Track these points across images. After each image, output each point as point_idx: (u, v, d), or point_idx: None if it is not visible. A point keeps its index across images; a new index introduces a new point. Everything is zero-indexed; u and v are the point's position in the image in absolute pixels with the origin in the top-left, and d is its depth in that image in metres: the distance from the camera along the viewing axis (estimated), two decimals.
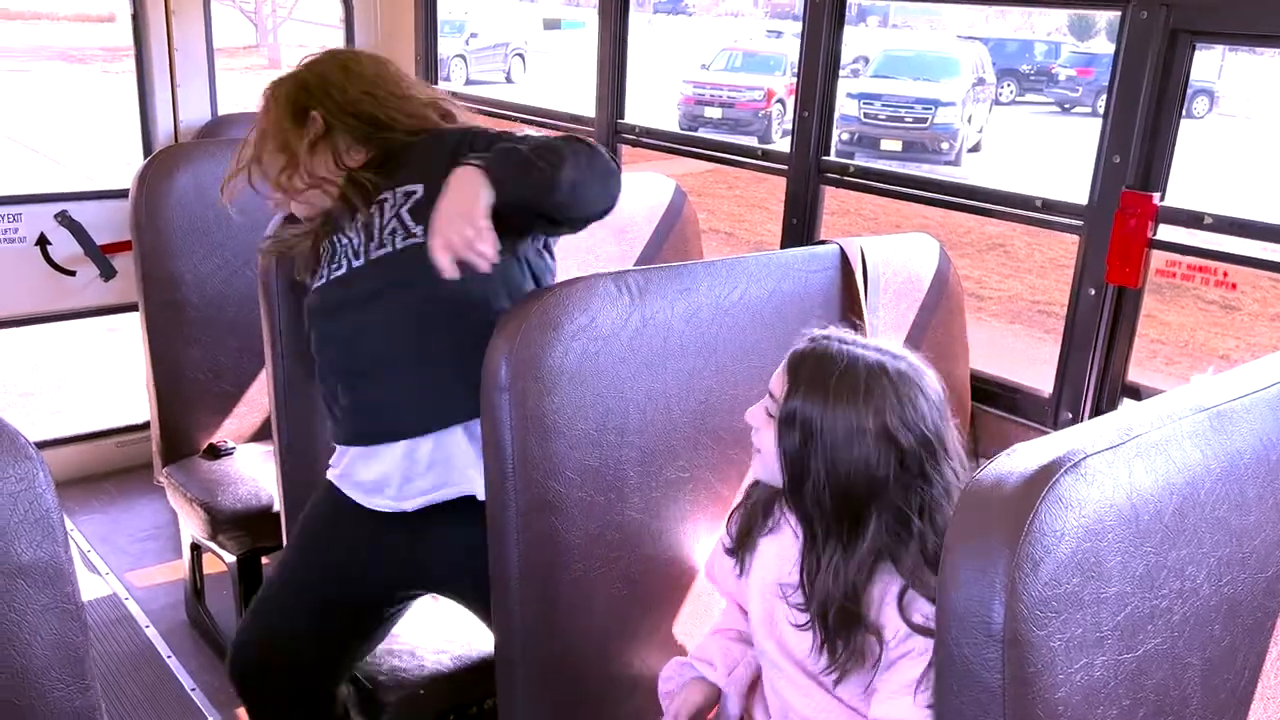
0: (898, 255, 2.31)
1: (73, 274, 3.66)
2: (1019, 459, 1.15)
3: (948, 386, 2.40)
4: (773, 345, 2.06)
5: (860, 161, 2.72)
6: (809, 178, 2.81)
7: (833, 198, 2.90)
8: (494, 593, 1.83)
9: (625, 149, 3.40)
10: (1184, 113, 2.16)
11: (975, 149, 16.73)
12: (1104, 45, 22.55)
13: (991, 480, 1.13)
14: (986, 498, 1.12)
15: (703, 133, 16.67)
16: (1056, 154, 16.09)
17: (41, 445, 3.89)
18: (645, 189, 2.98)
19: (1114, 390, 2.32)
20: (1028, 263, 11.15)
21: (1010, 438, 2.47)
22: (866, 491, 1.52)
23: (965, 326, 2.47)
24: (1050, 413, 2.40)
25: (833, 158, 2.81)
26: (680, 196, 3.03)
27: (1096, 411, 2.34)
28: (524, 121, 3.62)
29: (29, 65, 20.83)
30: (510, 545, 1.77)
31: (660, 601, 1.93)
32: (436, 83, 4.11)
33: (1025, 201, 2.40)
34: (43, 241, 3.60)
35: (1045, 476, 1.10)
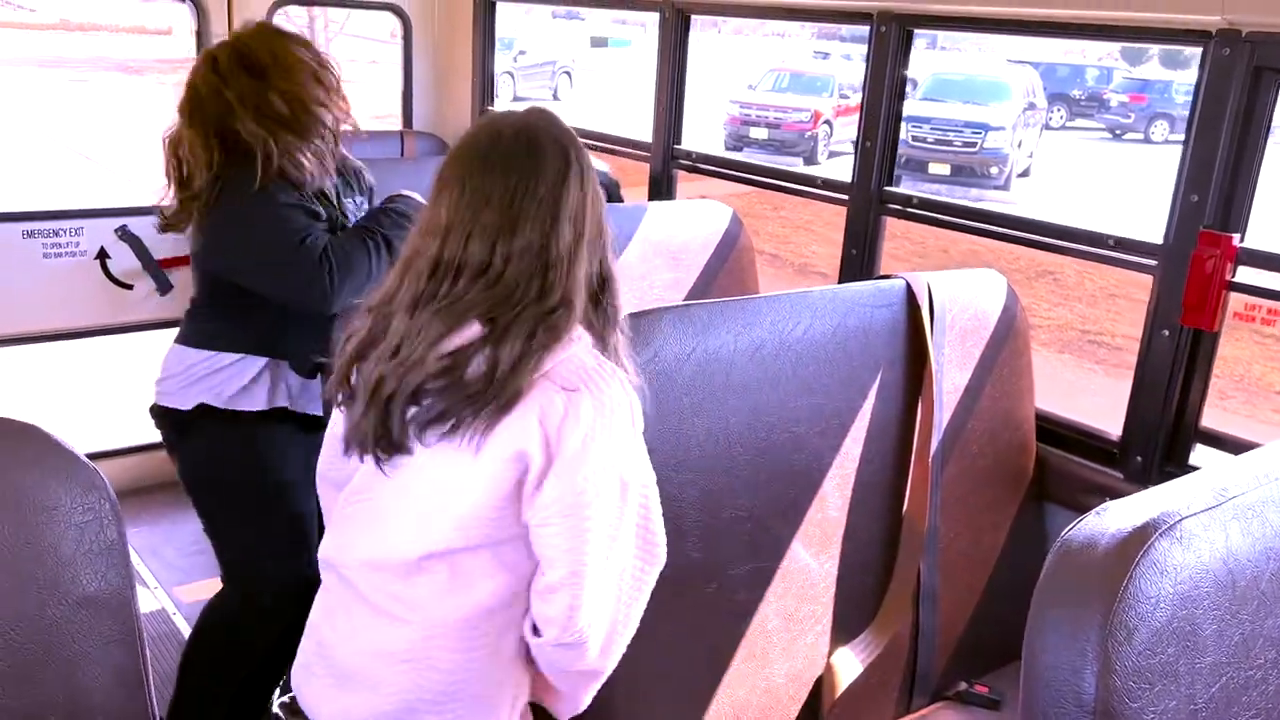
0: (965, 291, 2.26)
1: (130, 288, 3.70)
2: (1110, 519, 1.10)
3: (1012, 426, 2.36)
4: (836, 382, 2.02)
5: (920, 192, 2.66)
6: (870, 208, 2.76)
7: None
8: None
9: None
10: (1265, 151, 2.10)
11: (1025, 174, 16.54)
12: (1157, 71, 22.23)
13: (1082, 541, 1.09)
14: (1077, 560, 1.08)
15: (748, 153, 16.67)
16: (1110, 181, 15.91)
17: (95, 456, 3.97)
18: (701, 216, 2.96)
19: (1187, 436, 2.25)
20: (1078, 291, 10.98)
21: (1077, 481, 2.40)
22: None
23: (1031, 365, 2.41)
24: (1120, 457, 2.33)
25: (895, 188, 2.76)
26: (736, 224, 3.00)
27: (1168, 457, 2.27)
28: (589, 146, 3.60)
29: (87, 75, 21.31)
30: None
31: (718, 645, 1.89)
32: (491, 100, 4.12)
33: (1096, 239, 2.34)
34: (102, 255, 3.64)
35: (1139, 540, 1.06)
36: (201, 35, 3.70)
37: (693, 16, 3.23)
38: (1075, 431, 2.44)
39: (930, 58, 20.19)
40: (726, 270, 2.96)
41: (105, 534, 1.25)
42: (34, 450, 1.22)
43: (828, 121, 17.43)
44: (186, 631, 3.17)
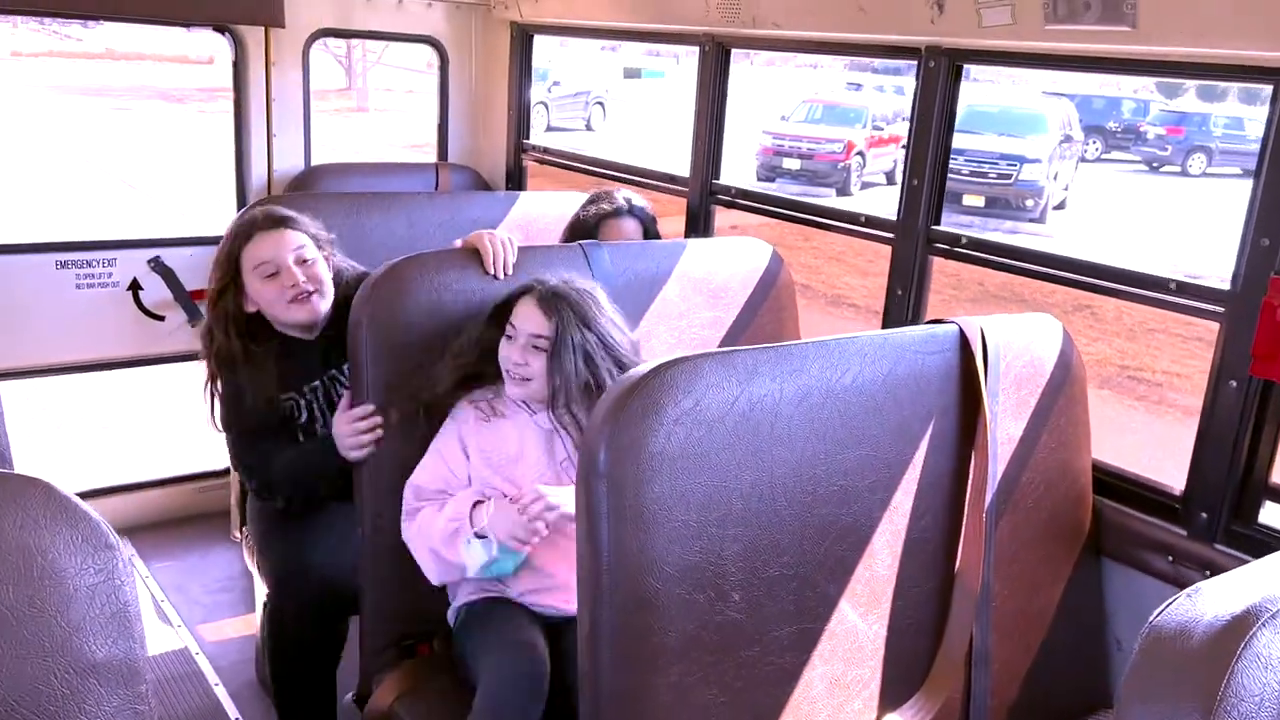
0: (1019, 337, 2.16)
1: (161, 319, 3.68)
2: (1205, 604, 1.00)
3: (1069, 478, 2.25)
4: (886, 432, 1.92)
5: (957, 226, 2.57)
6: (917, 248, 2.67)
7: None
8: (582, 696, 1.71)
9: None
10: None
11: (1060, 206, 16.37)
12: (1194, 104, 21.98)
13: (1175, 629, 0.99)
14: (1170, 650, 0.98)
15: (780, 184, 16.60)
16: (1149, 215, 15.69)
17: (121, 489, 3.95)
18: (741, 253, 2.87)
19: (1256, 492, 2.13)
20: (1115, 325, 10.78)
21: (1136, 537, 2.29)
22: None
23: (1088, 414, 2.29)
24: (1183, 512, 2.21)
25: (943, 227, 2.67)
26: (776, 262, 2.91)
27: (1235, 515, 2.15)
28: (619, 180, 3.55)
29: (130, 104, 21.69)
30: (603, 645, 1.65)
31: (760, 712, 1.79)
32: (527, 133, 4.07)
33: (1157, 283, 2.23)
34: (135, 286, 3.62)
35: (1240, 629, 0.95)
36: (239, 66, 3.69)
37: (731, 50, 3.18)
38: (1134, 484, 2.33)
39: (964, 89, 20.11)
40: (767, 309, 2.86)
41: (118, 596, 1.18)
42: (40, 506, 1.15)
43: (860, 153, 17.38)
44: (209, 672, 3.10)
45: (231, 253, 2.53)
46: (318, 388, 2.64)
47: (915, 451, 1.97)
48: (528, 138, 4.06)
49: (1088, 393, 2.30)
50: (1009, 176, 15.52)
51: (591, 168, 3.80)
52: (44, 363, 3.57)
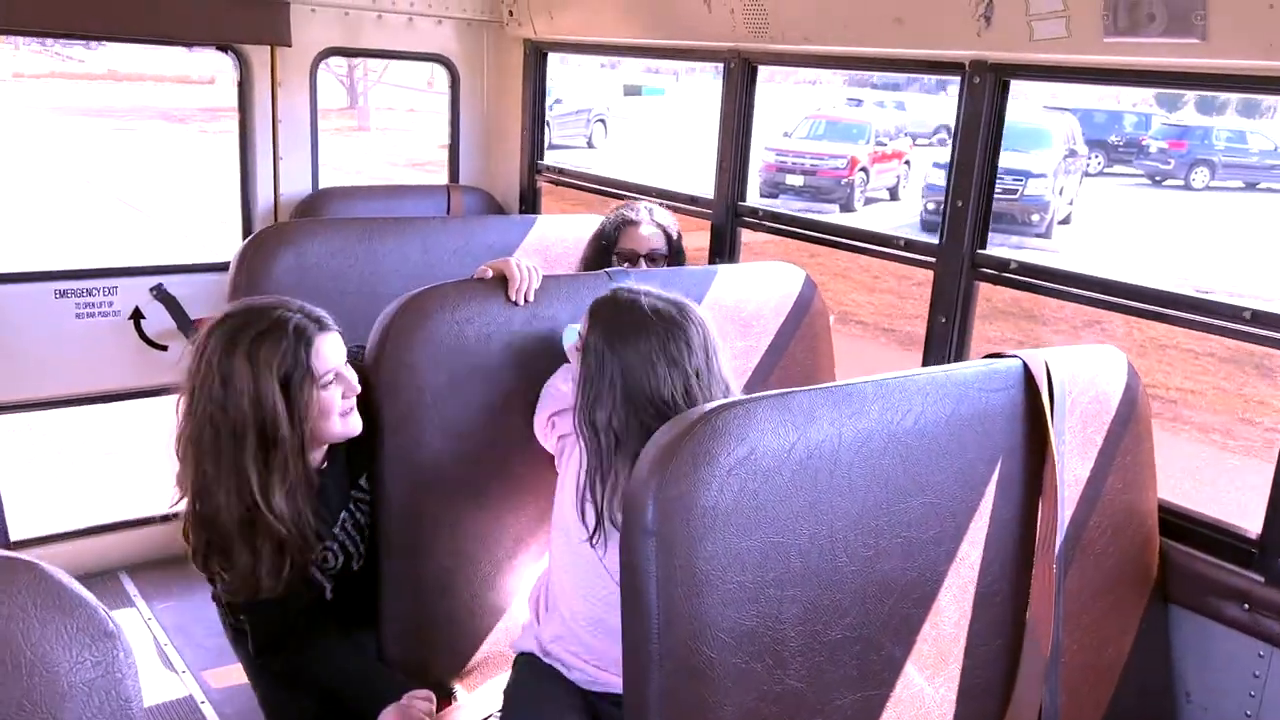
0: (1084, 371, 2.01)
1: (164, 349, 3.53)
2: None
3: (1136, 520, 2.10)
4: (951, 477, 1.78)
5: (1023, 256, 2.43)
6: (962, 273, 2.53)
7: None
8: None
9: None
10: None
11: (1066, 221, 16.25)
12: (1195, 117, 21.90)
13: None
14: None
15: (783, 200, 16.49)
16: (1154, 229, 15.59)
17: (122, 525, 3.79)
18: (772, 278, 2.73)
19: None
20: (1126, 341, 10.64)
21: (1206, 581, 2.14)
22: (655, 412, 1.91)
23: (1153, 452, 2.15)
24: (1259, 557, 2.06)
25: (989, 251, 2.53)
26: (810, 287, 2.77)
27: None
28: (647, 199, 3.41)
29: (133, 124, 21.62)
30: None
31: None
32: (542, 154, 3.94)
33: (1231, 312, 2.09)
34: (137, 315, 3.48)
35: None
36: (244, 87, 3.56)
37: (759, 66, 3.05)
38: (1205, 526, 2.18)
39: None
40: (800, 337, 2.73)
41: (118, 692, 1.03)
42: (30, 593, 1.00)
43: (864, 169, 17.30)
44: None
45: (292, 365, 1.97)
46: (346, 519, 2.22)
47: (981, 498, 1.83)
48: (542, 158, 3.93)
49: (1153, 429, 2.15)
50: (1014, 192, 15.43)
51: (610, 189, 3.66)
52: (43, 396, 3.43)
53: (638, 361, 1.95)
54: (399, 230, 3.04)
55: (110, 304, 3.45)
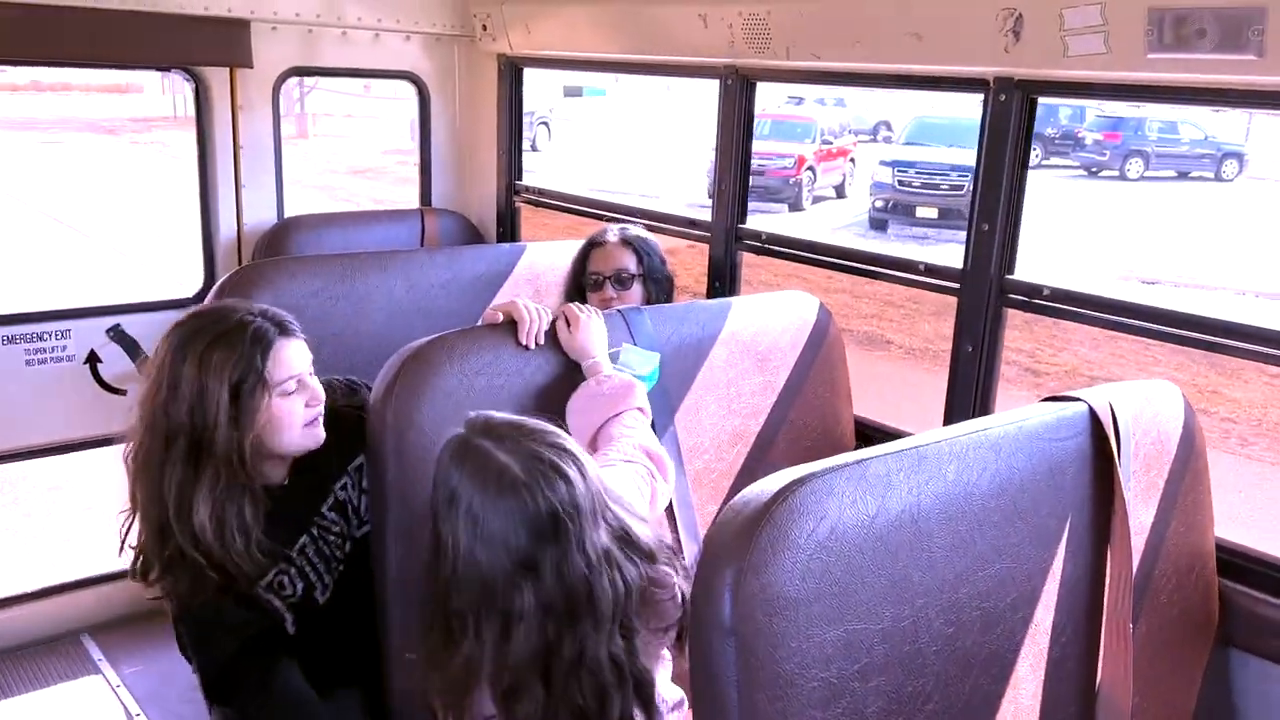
0: (1145, 410, 1.89)
1: (123, 393, 3.29)
2: None
3: (1197, 565, 1.99)
4: (1026, 538, 1.64)
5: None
6: (989, 300, 2.41)
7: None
8: None
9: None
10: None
11: None
12: (1129, 109, 22.28)
13: None
14: None
15: None
16: (1097, 220, 15.81)
17: (84, 582, 3.53)
18: (787, 308, 2.59)
19: None
20: (1078, 334, 10.75)
21: (1267, 624, 2.03)
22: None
23: (1210, 490, 2.04)
24: None
25: (1018, 277, 2.40)
26: (825, 315, 2.63)
27: None
28: (640, 222, 3.24)
29: (60, 137, 20.88)
30: None
31: None
32: (519, 174, 3.75)
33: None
34: (92, 359, 3.23)
35: None
36: (202, 112, 3.32)
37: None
38: (1265, 565, 2.07)
39: (910, 100, 20.17)
40: (817, 369, 2.58)
41: None
42: None
43: (811, 168, 17.29)
44: None
45: (245, 371, 1.88)
46: (307, 544, 2.07)
47: (1054, 557, 1.69)
48: (520, 178, 3.75)
49: (1209, 467, 2.04)
50: (961, 187, 15.51)
51: (595, 210, 3.48)
52: None
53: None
54: (381, 265, 2.84)
55: (63, 348, 3.20)
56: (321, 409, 1.98)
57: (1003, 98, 2.32)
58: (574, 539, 1.53)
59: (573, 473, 1.56)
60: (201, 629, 1.96)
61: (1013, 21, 2.21)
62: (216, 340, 1.88)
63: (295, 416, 1.93)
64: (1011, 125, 2.33)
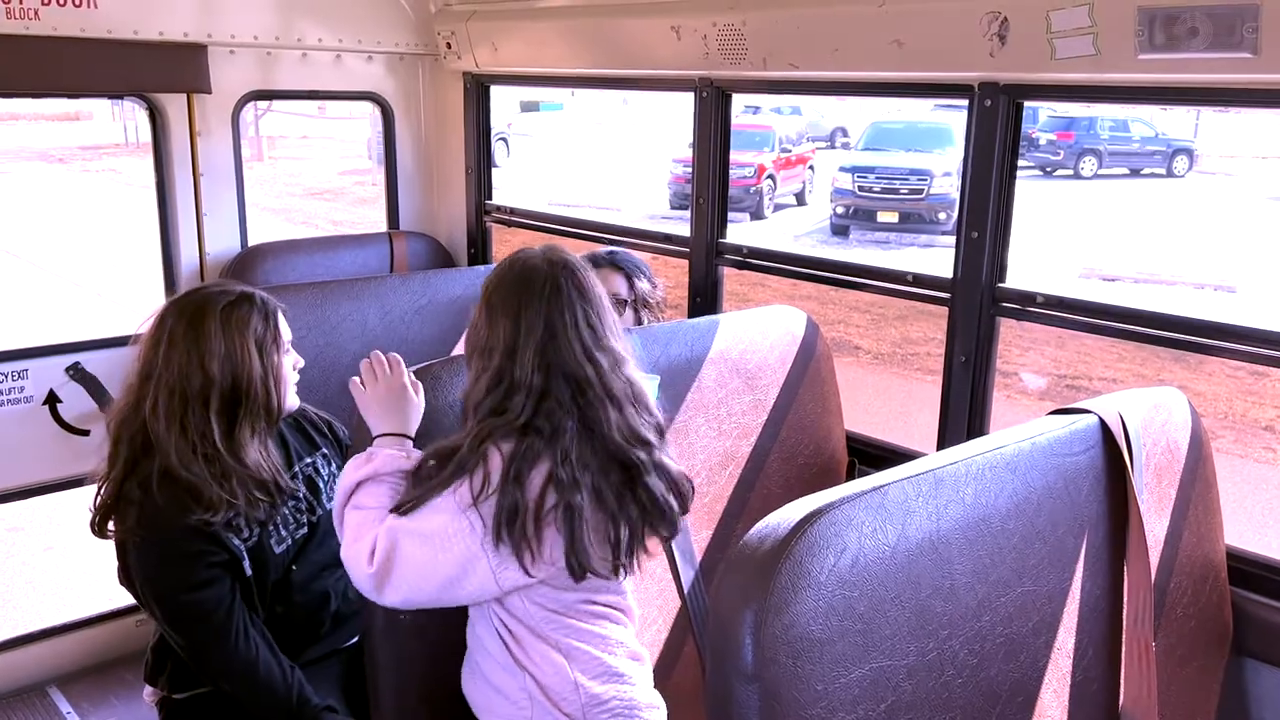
0: (1154, 417, 1.85)
1: (86, 434, 3.16)
2: None
3: (1210, 574, 1.95)
4: (1045, 558, 1.58)
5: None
6: (981, 309, 2.36)
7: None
8: None
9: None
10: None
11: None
12: (1080, 109, 22.57)
13: None
14: None
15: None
16: (1053, 218, 15.97)
17: (47, 633, 3.38)
18: (775, 323, 2.53)
19: None
20: (1045, 334, 10.82)
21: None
22: None
23: (1219, 498, 2.00)
24: None
25: (1010, 284, 2.36)
26: (813, 329, 2.58)
27: None
28: (604, 241, 3.17)
29: (8, 167, 20.44)
30: None
31: None
32: (490, 194, 3.67)
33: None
34: (52, 399, 3.10)
35: None
36: (159, 139, 3.20)
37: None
38: (1276, 573, 2.03)
39: (865, 105, 20.30)
40: (807, 386, 2.52)
41: None
42: None
43: (771, 176, 17.31)
44: None
45: (264, 329, 2.13)
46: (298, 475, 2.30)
47: (1073, 576, 1.64)
48: (490, 198, 3.66)
49: (1217, 474, 2.00)
50: (920, 191, 15.62)
51: (567, 228, 3.40)
52: None
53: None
54: (352, 292, 2.75)
55: (20, 389, 3.06)
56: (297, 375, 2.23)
57: (988, 103, 2.28)
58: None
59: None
60: (166, 553, 2.07)
61: (998, 25, 2.16)
62: (231, 305, 2.11)
63: (290, 376, 2.18)
64: (998, 130, 2.28)
